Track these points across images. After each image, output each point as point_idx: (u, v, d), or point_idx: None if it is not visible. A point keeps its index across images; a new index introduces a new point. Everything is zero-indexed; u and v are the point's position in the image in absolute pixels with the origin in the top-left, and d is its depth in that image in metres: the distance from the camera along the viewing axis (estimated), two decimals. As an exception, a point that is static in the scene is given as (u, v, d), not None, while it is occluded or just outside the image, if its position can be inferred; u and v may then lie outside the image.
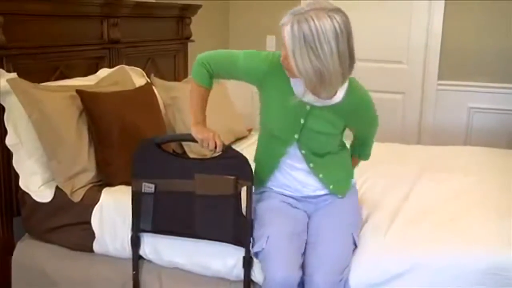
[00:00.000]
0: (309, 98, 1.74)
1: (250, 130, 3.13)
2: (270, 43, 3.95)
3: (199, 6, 3.38)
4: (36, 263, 2.19)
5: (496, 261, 1.69)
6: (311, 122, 1.81)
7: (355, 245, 1.81)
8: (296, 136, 1.83)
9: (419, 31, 3.68)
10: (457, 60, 3.62)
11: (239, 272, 1.88)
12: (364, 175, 2.38)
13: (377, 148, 2.89)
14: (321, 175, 1.91)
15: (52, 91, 2.19)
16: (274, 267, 1.70)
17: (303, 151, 1.86)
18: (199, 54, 1.91)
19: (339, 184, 1.95)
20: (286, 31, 1.56)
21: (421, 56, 3.70)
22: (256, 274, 1.85)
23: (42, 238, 2.21)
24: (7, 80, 2.09)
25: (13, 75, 2.14)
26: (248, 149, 2.48)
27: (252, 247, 1.82)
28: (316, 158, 1.88)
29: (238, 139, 2.99)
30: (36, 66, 2.33)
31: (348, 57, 1.59)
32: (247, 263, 1.85)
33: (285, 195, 1.95)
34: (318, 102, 1.77)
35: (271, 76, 1.80)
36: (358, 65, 3.58)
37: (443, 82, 3.67)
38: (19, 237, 2.28)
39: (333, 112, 1.80)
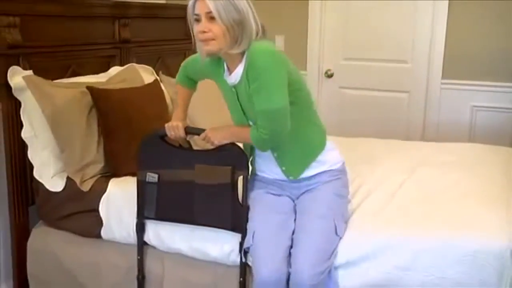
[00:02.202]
0: (230, 79, 1.91)
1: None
2: (279, 43, 3.97)
3: (207, 7, 3.47)
4: (49, 248, 2.31)
5: (475, 245, 1.77)
6: (242, 101, 1.91)
7: (338, 235, 1.85)
8: (245, 118, 1.93)
9: (423, 31, 3.72)
10: (461, 59, 3.64)
11: (235, 257, 1.98)
12: (361, 168, 2.44)
13: (377, 143, 2.98)
14: (275, 154, 1.96)
15: (64, 88, 2.30)
16: (260, 264, 1.79)
17: None
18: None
19: (292, 165, 1.95)
20: (208, 1, 1.75)
21: (425, 55, 3.73)
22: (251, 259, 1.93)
23: (55, 225, 2.33)
24: (23, 77, 2.20)
25: (29, 72, 2.24)
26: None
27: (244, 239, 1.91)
28: None
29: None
30: (51, 64, 2.43)
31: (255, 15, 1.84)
32: (243, 248, 1.92)
33: (270, 179, 2.01)
34: (235, 79, 1.89)
35: (213, 74, 2.01)
36: (363, 64, 3.60)
37: (447, 81, 3.69)
38: (34, 224, 2.40)
39: (246, 82, 1.84)
